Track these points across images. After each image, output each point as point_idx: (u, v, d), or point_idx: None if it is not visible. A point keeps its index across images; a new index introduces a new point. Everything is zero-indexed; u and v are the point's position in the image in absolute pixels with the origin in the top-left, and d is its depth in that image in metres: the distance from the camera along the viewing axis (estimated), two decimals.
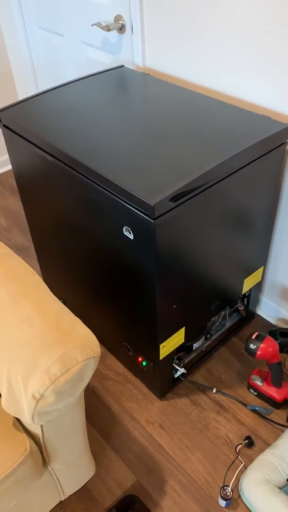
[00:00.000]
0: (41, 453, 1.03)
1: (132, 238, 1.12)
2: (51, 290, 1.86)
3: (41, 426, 0.96)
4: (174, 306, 1.27)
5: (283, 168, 1.39)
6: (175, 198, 1.04)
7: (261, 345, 1.37)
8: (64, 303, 1.80)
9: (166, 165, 1.10)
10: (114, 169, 1.10)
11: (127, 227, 1.11)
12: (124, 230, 1.13)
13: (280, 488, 1.27)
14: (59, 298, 1.82)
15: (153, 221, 1.01)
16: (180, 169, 1.08)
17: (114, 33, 1.68)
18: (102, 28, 1.62)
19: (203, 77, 1.48)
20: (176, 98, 1.39)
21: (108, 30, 1.62)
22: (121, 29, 1.63)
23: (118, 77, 1.55)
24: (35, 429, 0.98)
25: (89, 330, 0.98)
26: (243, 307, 1.68)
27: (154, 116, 1.30)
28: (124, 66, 1.64)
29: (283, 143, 1.25)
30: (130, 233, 1.12)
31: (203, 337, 1.58)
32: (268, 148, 1.21)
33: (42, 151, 1.27)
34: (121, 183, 1.05)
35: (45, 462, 1.05)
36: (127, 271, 1.23)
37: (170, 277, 1.18)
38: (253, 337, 1.39)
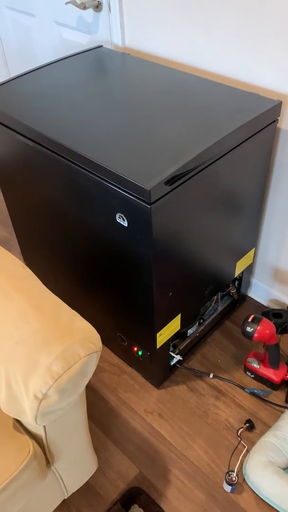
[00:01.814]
0: (44, 454, 0.99)
1: (126, 225, 1.07)
2: None
3: (44, 426, 0.92)
4: (170, 293, 1.23)
5: (274, 146, 1.36)
6: (170, 181, 0.99)
7: (258, 327, 1.35)
8: None
9: (158, 148, 1.05)
10: (103, 153, 1.05)
11: (121, 214, 1.06)
12: (117, 217, 1.08)
13: (284, 469, 1.26)
14: None
15: (149, 206, 0.97)
16: (173, 151, 1.04)
17: (90, 11, 1.60)
18: (77, 6, 1.54)
19: (186, 55, 1.43)
20: (160, 77, 1.34)
21: (84, 8, 1.54)
22: (98, 6, 1.56)
23: (97, 58, 1.48)
24: (38, 430, 0.93)
25: (88, 323, 0.93)
26: (235, 290, 1.66)
27: (139, 96, 1.25)
28: (102, 46, 1.57)
29: (274, 121, 1.21)
30: (124, 220, 1.07)
31: (197, 322, 1.56)
32: (260, 126, 1.18)
33: (22, 136, 1.20)
34: (112, 168, 1.00)
35: (48, 462, 1.01)
36: (121, 260, 1.19)
37: (166, 264, 1.15)
38: (249, 320, 1.37)
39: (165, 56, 1.49)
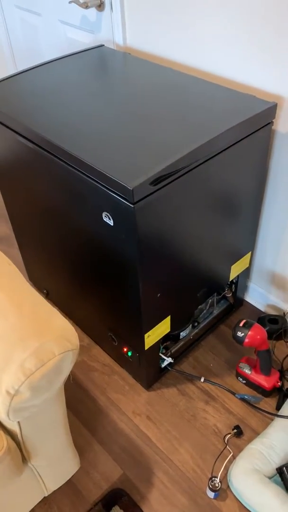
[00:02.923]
0: (20, 450, 0.98)
1: (112, 224, 1.07)
2: (34, 281, 1.81)
3: (18, 422, 0.92)
4: (159, 295, 1.22)
5: (270, 149, 1.34)
6: (156, 181, 0.98)
7: (249, 332, 1.33)
8: (47, 294, 1.75)
9: (147, 147, 1.04)
10: (91, 151, 1.04)
11: (107, 213, 1.06)
12: (103, 216, 1.08)
13: (270, 478, 1.24)
14: (43, 289, 1.77)
15: (132, 205, 0.96)
16: (161, 151, 1.03)
17: (93, 11, 1.61)
18: (80, 5, 1.54)
19: (186, 55, 1.42)
20: (158, 77, 1.33)
21: (86, 7, 1.54)
22: (100, 6, 1.56)
23: (97, 57, 1.48)
24: (12, 426, 0.93)
25: (67, 321, 0.93)
26: (231, 294, 1.64)
27: (135, 96, 1.24)
28: (104, 45, 1.57)
29: (269, 123, 1.20)
30: (109, 219, 1.06)
31: (190, 325, 1.54)
32: (254, 128, 1.16)
33: (14, 133, 1.21)
34: (98, 166, 0.99)
35: (24, 459, 1.01)
36: (108, 259, 1.18)
37: (153, 265, 1.14)
38: (241, 324, 1.35)
39: (165, 56, 1.48)
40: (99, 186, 1.02)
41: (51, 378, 0.86)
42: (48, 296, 1.76)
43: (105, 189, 1.01)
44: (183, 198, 1.09)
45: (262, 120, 1.17)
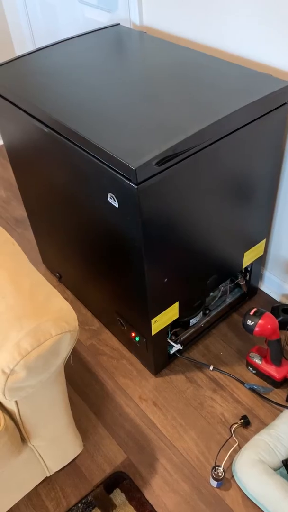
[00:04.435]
0: (19, 430, 0.99)
1: (117, 206, 1.05)
2: (48, 264, 1.81)
3: (16, 402, 0.92)
4: (166, 280, 1.20)
5: (286, 130, 1.29)
6: (161, 161, 0.95)
7: (259, 321, 1.29)
8: (60, 277, 1.75)
9: (155, 126, 1.01)
10: (97, 130, 1.02)
11: (112, 194, 1.04)
12: (109, 198, 1.06)
13: (275, 470, 1.21)
14: (56, 272, 1.77)
15: (136, 186, 0.94)
16: (169, 130, 0.99)
17: None
18: None
19: (204, 34, 1.37)
20: (173, 56, 1.29)
21: None
22: None
23: (112, 36, 1.45)
24: (10, 405, 0.93)
25: (67, 303, 0.92)
26: (244, 282, 1.60)
27: (148, 75, 1.21)
28: (119, 24, 1.53)
29: (285, 103, 1.14)
30: (114, 200, 1.04)
31: (201, 312, 1.51)
32: (268, 108, 1.11)
33: (25, 113, 1.20)
34: (102, 145, 0.97)
35: (24, 439, 1.01)
36: (115, 242, 1.17)
37: (160, 248, 1.11)
38: (251, 313, 1.32)
39: (181, 35, 1.44)
40: (104, 166, 1.00)
41: (47, 359, 0.86)
42: (60, 279, 1.77)
43: (109, 169, 0.99)
44: (191, 180, 1.06)
45: (277, 100, 1.12)
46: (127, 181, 0.95)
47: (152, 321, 1.27)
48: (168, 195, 1.02)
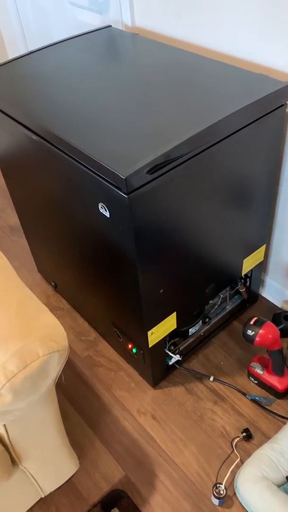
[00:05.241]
0: (9, 453, 0.94)
1: (108, 216, 1.00)
2: (43, 273, 1.77)
3: (4, 425, 0.87)
4: (161, 290, 1.15)
5: (284, 133, 1.24)
6: (153, 169, 0.91)
7: (260, 331, 1.25)
8: (56, 286, 1.71)
9: (148, 132, 0.97)
10: (87, 137, 0.97)
11: (102, 204, 0.99)
12: (99, 207, 1.01)
13: (279, 486, 1.16)
14: (51, 281, 1.73)
15: (126, 196, 0.89)
16: (162, 136, 0.95)
17: None
18: None
19: (197, 35, 1.32)
20: (166, 58, 1.25)
21: None
22: None
23: (104, 38, 1.41)
24: None
25: (55, 319, 0.87)
26: (244, 289, 1.55)
27: (141, 78, 1.16)
28: (111, 26, 1.49)
29: (282, 105, 1.10)
30: (106, 210, 1.00)
31: (201, 321, 1.47)
32: (265, 110, 1.06)
33: (14, 120, 1.15)
34: (90, 153, 0.93)
35: (14, 462, 0.97)
36: (108, 253, 1.12)
37: (154, 259, 1.07)
38: (251, 322, 1.27)
39: (175, 36, 1.39)
40: (94, 175, 0.96)
41: (35, 381, 0.81)
42: (56, 288, 1.72)
43: (99, 178, 0.94)
44: (186, 188, 1.01)
45: (274, 102, 1.07)
46: (117, 190, 0.91)
47: (149, 333, 1.22)
48: (162, 203, 0.98)
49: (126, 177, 0.86)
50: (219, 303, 1.54)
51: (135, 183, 0.89)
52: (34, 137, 1.09)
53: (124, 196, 0.90)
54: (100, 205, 1.00)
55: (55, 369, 0.84)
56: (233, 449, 1.27)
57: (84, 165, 0.98)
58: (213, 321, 1.53)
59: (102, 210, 1.01)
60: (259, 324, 1.26)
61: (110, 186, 0.92)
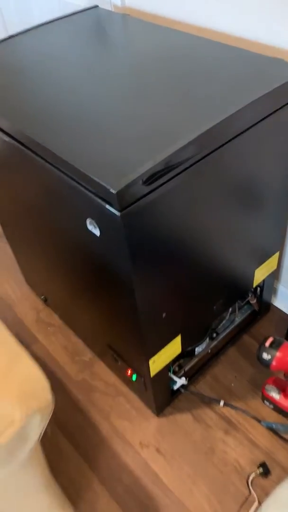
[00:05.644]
0: None
1: (98, 234, 0.84)
2: (32, 285, 1.61)
3: None
4: (164, 314, 0.99)
5: None
6: (151, 178, 0.74)
7: (277, 354, 1.09)
8: (46, 300, 1.55)
9: (144, 133, 0.80)
10: (70, 142, 0.80)
11: (91, 220, 0.83)
12: (88, 223, 0.85)
13: None
14: (41, 294, 1.57)
15: (118, 213, 0.73)
16: (160, 138, 0.78)
17: None
18: None
19: (195, 13, 1.14)
20: (161, 42, 1.07)
21: None
22: None
23: (91, 20, 1.23)
24: None
25: (35, 365, 0.72)
26: (255, 301, 1.39)
27: (135, 66, 0.99)
28: (98, 6, 1.30)
29: None
30: (95, 227, 0.83)
31: (208, 338, 1.31)
32: (282, 101, 0.89)
33: None
34: (74, 162, 0.76)
35: None
36: (99, 274, 0.96)
37: (155, 281, 0.90)
38: (267, 344, 1.12)
39: (170, 16, 1.21)
40: (79, 186, 0.79)
41: (12, 449, 0.66)
42: (46, 302, 1.56)
43: (85, 191, 0.78)
44: (190, 197, 0.84)
45: None
46: (108, 206, 0.74)
47: (150, 361, 1.06)
48: (162, 218, 0.81)
49: (117, 192, 0.69)
50: (227, 316, 1.38)
51: (129, 197, 0.72)
52: (6, 138, 0.92)
53: (116, 214, 0.73)
54: (88, 221, 0.84)
55: (36, 431, 0.69)
56: (250, 489, 1.12)
57: (66, 174, 0.81)
58: (221, 336, 1.37)
59: (90, 227, 0.84)
60: (275, 345, 1.11)
61: (99, 200, 0.75)
